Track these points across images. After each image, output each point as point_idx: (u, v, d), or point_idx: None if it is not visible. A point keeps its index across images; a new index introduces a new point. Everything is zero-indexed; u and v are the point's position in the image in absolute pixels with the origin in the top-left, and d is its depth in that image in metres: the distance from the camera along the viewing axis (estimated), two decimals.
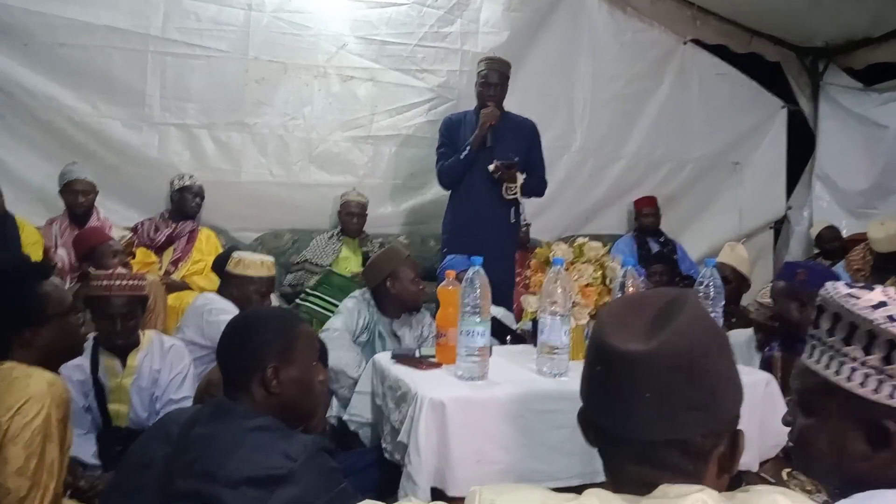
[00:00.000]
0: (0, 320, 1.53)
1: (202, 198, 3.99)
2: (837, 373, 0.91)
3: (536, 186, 3.81)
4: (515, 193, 3.60)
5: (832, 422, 0.93)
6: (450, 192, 3.84)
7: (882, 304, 0.90)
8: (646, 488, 0.77)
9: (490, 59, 3.78)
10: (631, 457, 0.79)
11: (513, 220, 3.68)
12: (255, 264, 2.89)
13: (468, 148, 3.63)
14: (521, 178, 3.60)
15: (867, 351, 0.89)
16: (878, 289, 0.93)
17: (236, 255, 2.96)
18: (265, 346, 1.33)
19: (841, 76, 5.36)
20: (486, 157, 3.61)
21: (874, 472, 0.90)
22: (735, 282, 3.50)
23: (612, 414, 0.80)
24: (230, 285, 2.90)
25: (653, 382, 0.77)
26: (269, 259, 3.00)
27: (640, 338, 0.79)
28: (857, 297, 0.92)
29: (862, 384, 0.89)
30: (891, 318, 0.88)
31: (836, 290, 0.95)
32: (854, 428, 0.91)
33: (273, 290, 3.06)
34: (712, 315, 2.09)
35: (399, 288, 2.76)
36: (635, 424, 0.78)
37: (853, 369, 0.90)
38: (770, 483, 2.07)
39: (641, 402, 0.77)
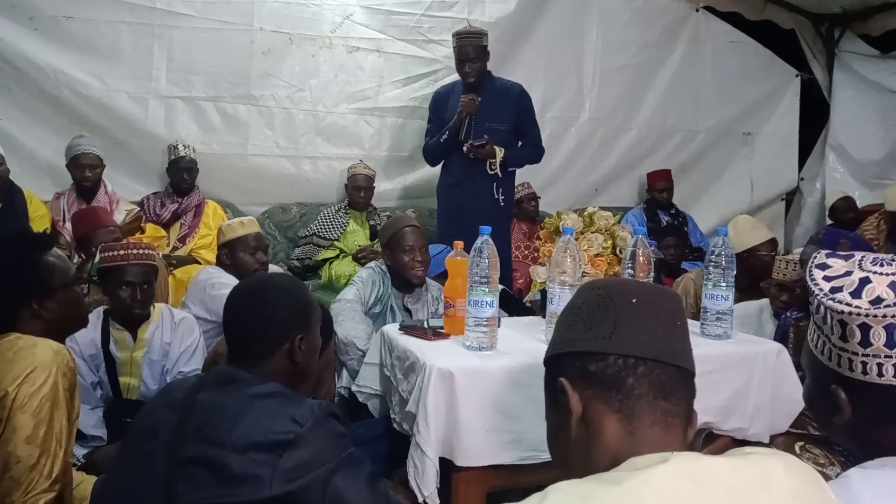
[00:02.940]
0: (7, 292, 1.53)
1: (193, 171, 3.93)
2: (810, 338, 0.98)
3: (527, 155, 3.76)
4: (495, 168, 3.56)
5: (816, 383, 0.97)
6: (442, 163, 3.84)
7: (838, 276, 0.93)
8: (662, 433, 0.80)
9: (460, 35, 3.67)
10: (683, 396, 0.83)
11: (496, 197, 3.62)
12: (235, 226, 2.91)
13: (447, 132, 3.62)
14: (500, 153, 3.55)
15: (824, 319, 0.94)
16: (857, 256, 0.94)
17: (219, 227, 3.00)
18: (292, 317, 1.34)
19: (857, 43, 5.26)
20: (470, 132, 3.58)
21: (848, 436, 0.94)
22: (776, 251, 3.41)
23: (685, 350, 0.86)
24: (222, 255, 2.90)
25: (683, 315, 0.87)
26: (249, 218, 3.05)
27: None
28: (824, 268, 0.95)
29: (822, 352, 0.94)
30: (836, 289, 0.92)
31: (815, 257, 0.98)
32: (823, 391, 0.95)
33: (265, 245, 2.99)
34: (724, 286, 2.08)
35: (392, 260, 2.68)
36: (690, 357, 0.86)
37: (818, 336, 0.95)
38: None
39: (686, 333, 0.87)
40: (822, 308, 0.93)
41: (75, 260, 3.03)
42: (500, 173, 3.57)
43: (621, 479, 0.70)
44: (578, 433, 0.83)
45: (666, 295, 0.89)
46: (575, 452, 0.83)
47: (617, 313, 0.84)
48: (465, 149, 3.54)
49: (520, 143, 3.73)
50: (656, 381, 0.81)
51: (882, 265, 0.92)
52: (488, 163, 3.56)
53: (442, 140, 3.65)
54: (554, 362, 0.88)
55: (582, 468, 0.79)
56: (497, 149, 3.54)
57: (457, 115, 3.59)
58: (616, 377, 0.81)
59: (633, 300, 0.84)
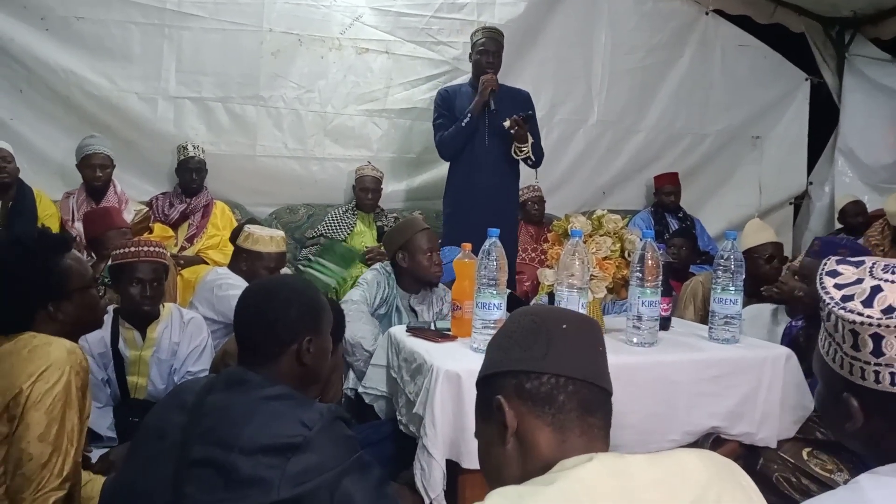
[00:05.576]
0: (24, 294, 1.53)
1: (202, 171, 3.95)
2: (821, 345, 0.97)
3: (539, 152, 3.79)
4: (527, 152, 3.59)
5: (828, 391, 0.97)
6: (449, 164, 3.84)
7: (849, 284, 0.92)
8: (586, 443, 0.89)
9: (486, 28, 3.79)
10: (604, 412, 0.93)
11: (521, 187, 3.77)
12: (265, 240, 2.88)
13: (469, 115, 3.62)
14: (531, 139, 3.61)
15: (835, 328, 0.93)
16: (868, 263, 0.94)
17: (247, 229, 2.95)
18: (301, 319, 1.34)
19: (868, 47, 5.22)
20: (485, 124, 3.62)
21: (861, 444, 0.94)
22: (781, 256, 3.39)
23: (605, 372, 0.95)
24: (240, 259, 2.90)
25: (603, 341, 0.98)
26: (280, 234, 2.98)
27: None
28: (835, 275, 0.95)
29: (833, 359, 0.94)
30: (847, 298, 0.91)
31: (825, 264, 0.98)
32: (835, 399, 0.95)
33: (283, 265, 3.04)
34: (732, 290, 2.07)
35: (410, 262, 2.70)
36: (609, 379, 0.96)
37: (829, 343, 0.95)
38: (789, 463, 2.05)
39: (605, 358, 0.98)
40: (832, 316, 0.92)
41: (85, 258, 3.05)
42: (532, 157, 3.63)
43: (552, 479, 0.80)
44: (513, 446, 0.91)
45: (589, 322, 1.00)
46: (509, 464, 0.91)
47: (550, 337, 0.93)
48: (507, 123, 3.51)
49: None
50: (584, 398, 0.91)
51: (893, 272, 0.91)
52: (514, 147, 3.59)
53: (465, 123, 3.63)
54: (488, 381, 0.96)
55: (516, 479, 0.86)
56: (529, 135, 3.61)
57: (479, 93, 3.60)
58: (549, 394, 0.90)
59: (564, 326, 0.94)
